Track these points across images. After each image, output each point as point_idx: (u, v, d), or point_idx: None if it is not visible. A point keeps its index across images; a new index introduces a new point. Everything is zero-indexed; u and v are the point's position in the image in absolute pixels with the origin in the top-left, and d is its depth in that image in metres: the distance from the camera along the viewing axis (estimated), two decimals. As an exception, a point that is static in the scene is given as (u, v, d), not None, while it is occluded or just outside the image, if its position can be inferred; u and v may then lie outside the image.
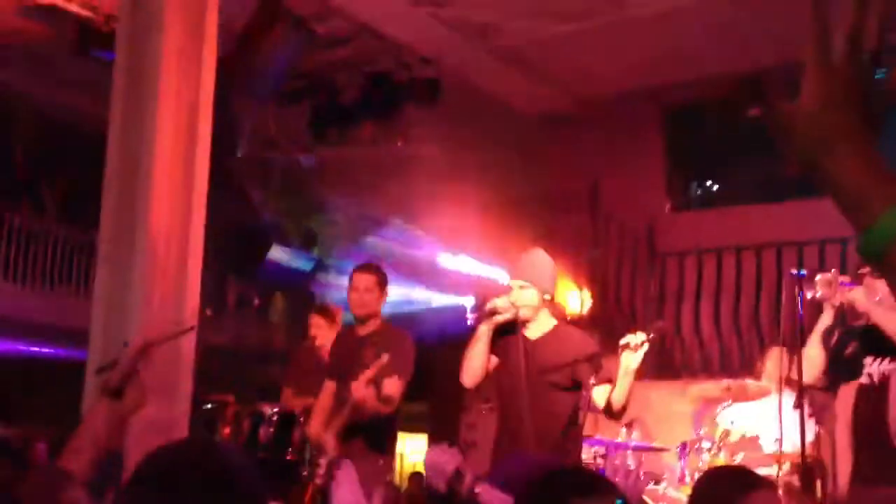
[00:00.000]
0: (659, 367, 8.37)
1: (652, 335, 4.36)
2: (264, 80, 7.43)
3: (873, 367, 4.09)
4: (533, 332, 4.37)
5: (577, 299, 9.03)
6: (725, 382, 6.03)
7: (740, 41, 8.27)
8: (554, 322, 4.46)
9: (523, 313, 4.32)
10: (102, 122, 5.21)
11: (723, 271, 8.32)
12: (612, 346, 8.63)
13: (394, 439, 5.40)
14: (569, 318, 5.15)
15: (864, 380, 4.12)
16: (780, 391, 5.49)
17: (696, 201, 10.02)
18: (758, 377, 6.14)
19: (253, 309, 7.86)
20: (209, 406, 6.33)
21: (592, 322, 8.69)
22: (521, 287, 4.33)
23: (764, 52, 8.45)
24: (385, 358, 4.63)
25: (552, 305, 4.51)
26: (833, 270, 4.14)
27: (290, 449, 6.05)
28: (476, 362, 4.27)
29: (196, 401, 5.75)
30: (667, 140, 9.65)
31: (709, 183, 10.11)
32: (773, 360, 6.14)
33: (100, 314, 5.03)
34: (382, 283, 5.22)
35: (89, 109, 7.00)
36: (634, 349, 4.17)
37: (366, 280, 5.17)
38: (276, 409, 6.06)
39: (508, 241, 9.06)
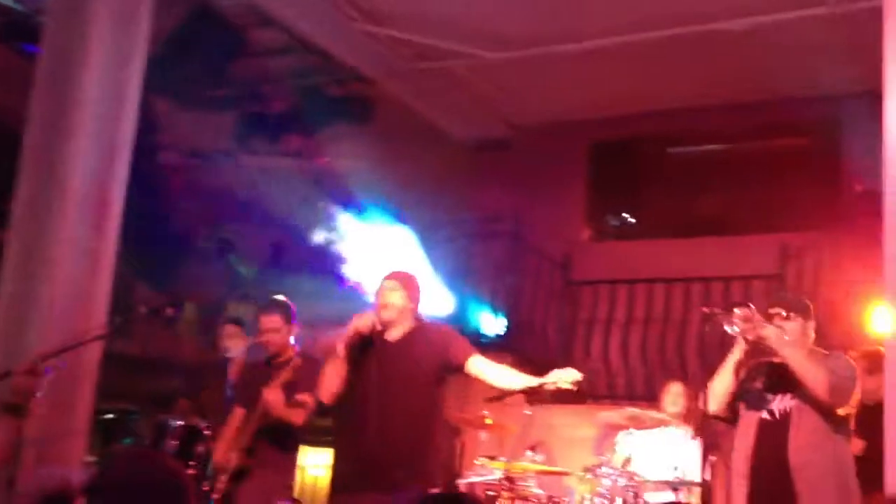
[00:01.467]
0: (566, 391, 8.51)
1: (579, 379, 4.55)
2: (192, 85, 7.38)
3: (775, 404, 4.22)
4: (394, 334, 4.47)
5: (492, 324, 9.14)
6: (629, 410, 6.18)
7: (668, 81, 8.52)
8: (413, 324, 4.55)
9: (388, 314, 4.42)
10: (17, 118, 5.12)
11: (634, 302, 8.51)
12: (522, 370, 8.77)
13: (295, 451, 5.43)
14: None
15: (765, 415, 4.24)
16: (680, 422, 5.68)
17: (614, 233, 10.24)
18: (658, 408, 6.32)
19: (163, 318, 7.73)
20: (111, 416, 6.22)
21: (506, 347, 8.80)
22: (393, 289, 4.45)
23: (689, 94, 8.74)
24: (298, 362, 4.82)
25: (414, 311, 4.60)
26: (751, 306, 4.26)
27: (193, 462, 5.99)
28: (333, 379, 4.36)
29: (97, 411, 5.65)
30: (590, 172, 9.86)
31: (627, 216, 10.35)
32: (671, 395, 6.34)
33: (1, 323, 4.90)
34: (288, 318, 5.37)
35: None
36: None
37: (269, 322, 5.35)
38: (179, 422, 5.99)
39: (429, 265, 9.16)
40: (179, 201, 9.04)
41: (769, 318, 4.26)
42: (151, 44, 5.68)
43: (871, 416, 4.72)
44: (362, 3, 7.57)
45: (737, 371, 4.33)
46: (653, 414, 6.23)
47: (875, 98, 4.45)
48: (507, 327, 9.08)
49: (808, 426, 4.12)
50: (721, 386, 4.33)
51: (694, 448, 5.75)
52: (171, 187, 8.67)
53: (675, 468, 5.66)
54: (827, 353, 4.31)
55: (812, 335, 4.33)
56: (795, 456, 4.09)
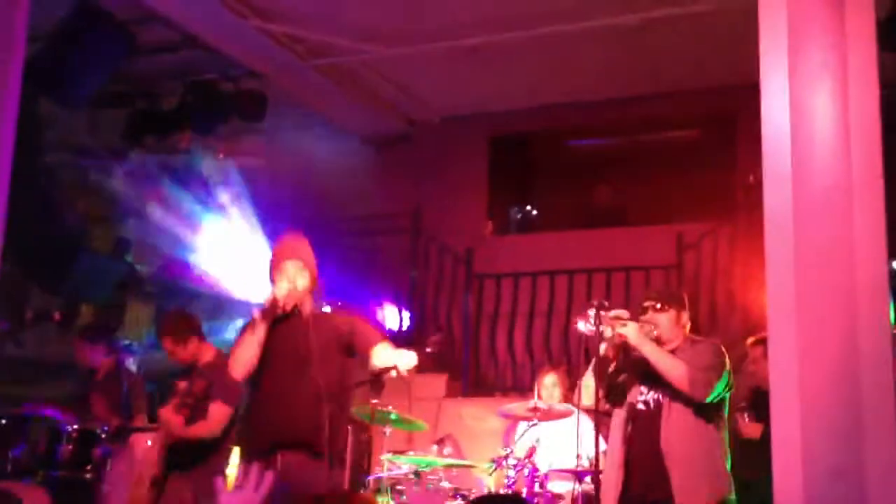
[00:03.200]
0: (473, 384, 8.55)
1: (429, 349, 4.58)
2: (78, 83, 7.12)
3: (648, 395, 4.45)
4: (300, 314, 4.46)
5: (396, 319, 9.10)
6: (532, 402, 6.22)
7: (563, 75, 8.60)
8: (314, 306, 4.56)
9: (295, 295, 4.40)
10: None
11: (537, 295, 8.58)
12: (427, 364, 8.78)
13: (219, 458, 5.35)
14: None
15: (639, 406, 4.47)
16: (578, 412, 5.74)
17: (516, 226, 10.31)
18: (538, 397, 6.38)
19: (54, 321, 7.50)
20: (2, 422, 6.05)
21: (410, 342, 8.78)
22: (301, 269, 4.42)
23: (584, 87, 8.85)
24: (183, 386, 4.87)
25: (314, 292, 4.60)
26: (605, 306, 4.41)
27: (90, 466, 5.87)
28: (249, 352, 4.29)
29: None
30: (491, 165, 9.90)
31: (528, 208, 10.43)
32: (546, 387, 6.42)
33: None
34: (177, 336, 5.43)
35: None
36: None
37: (167, 343, 5.49)
38: (75, 426, 5.86)
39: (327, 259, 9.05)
40: (71, 201, 8.74)
41: (644, 310, 4.50)
42: (33, 40, 5.47)
43: (768, 400, 4.88)
44: (253, 0, 7.46)
45: (600, 368, 4.49)
46: (557, 405, 6.29)
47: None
48: (412, 322, 9.06)
49: (677, 416, 4.34)
50: (588, 383, 4.51)
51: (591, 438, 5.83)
52: (61, 187, 8.38)
53: (580, 457, 5.72)
54: (696, 339, 4.53)
55: (687, 324, 4.55)
56: (666, 444, 4.31)
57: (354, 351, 4.46)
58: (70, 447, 5.81)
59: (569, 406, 6.24)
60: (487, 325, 8.75)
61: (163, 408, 5.31)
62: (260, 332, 4.30)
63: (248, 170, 8.66)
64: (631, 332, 4.39)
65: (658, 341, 4.45)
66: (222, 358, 5.26)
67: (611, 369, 4.55)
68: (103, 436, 5.80)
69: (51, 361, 8.09)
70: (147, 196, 8.96)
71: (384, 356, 4.37)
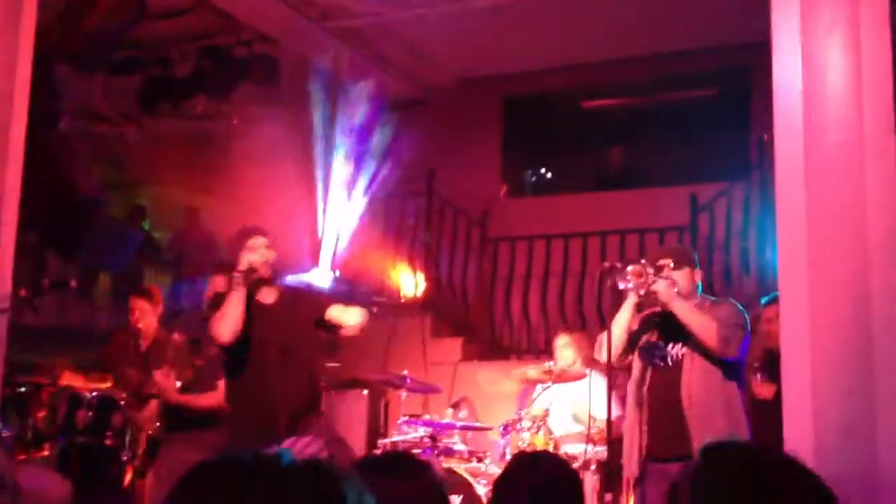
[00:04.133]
0: (488, 347, 8.58)
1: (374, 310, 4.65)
2: (92, 49, 7.12)
3: (668, 350, 4.41)
4: (267, 296, 4.59)
5: (411, 282, 9.13)
6: (547, 364, 6.24)
7: (577, 35, 8.53)
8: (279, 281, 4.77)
9: (266, 271, 4.54)
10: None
11: (551, 257, 8.57)
12: (442, 328, 8.81)
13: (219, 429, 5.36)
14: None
15: (658, 361, 4.43)
16: (590, 374, 5.75)
17: (530, 188, 10.29)
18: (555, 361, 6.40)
19: (72, 288, 7.55)
20: (22, 389, 6.10)
21: (425, 304, 8.82)
22: (267, 245, 4.54)
23: (599, 47, 8.77)
24: (178, 340, 4.91)
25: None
26: (643, 262, 4.39)
27: (110, 433, 5.91)
28: (236, 311, 4.37)
29: (8, 383, 5.53)
30: (504, 128, 9.85)
31: (543, 171, 10.40)
32: (559, 348, 6.43)
33: None
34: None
35: None
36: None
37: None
38: (94, 393, 5.90)
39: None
40: (87, 168, 8.77)
41: (659, 269, 4.42)
42: (45, 8, 5.47)
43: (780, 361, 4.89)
44: (265, -37, 7.43)
45: (628, 322, 4.46)
46: (571, 367, 6.31)
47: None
48: (426, 286, 9.08)
49: (699, 370, 4.31)
50: (613, 337, 4.46)
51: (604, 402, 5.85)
52: (77, 154, 8.41)
53: (594, 419, 5.74)
54: (715, 300, 4.51)
55: (699, 282, 4.52)
56: (687, 396, 4.29)
57: (322, 321, 4.57)
58: (90, 413, 5.85)
59: (584, 369, 6.26)
60: (502, 288, 8.75)
61: (157, 370, 5.32)
62: (242, 297, 4.37)
63: (261, 134, 8.65)
64: (662, 287, 4.32)
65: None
66: None
67: (635, 325, 4.51)
68: (122, 402, 5.84)
69: (69, 328, 8.17)
70: (163, 162, 8.99)
71: (335, 314, 4.53)
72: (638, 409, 4.43)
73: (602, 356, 4.52)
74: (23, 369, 6.30)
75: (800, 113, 3.54)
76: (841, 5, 3.47)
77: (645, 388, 4.42)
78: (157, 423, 5.71)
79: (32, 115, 5.16)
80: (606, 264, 4.52)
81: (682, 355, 4.36)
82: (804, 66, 3.57)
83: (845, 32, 3.48)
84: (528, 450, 5.62)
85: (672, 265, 4.44)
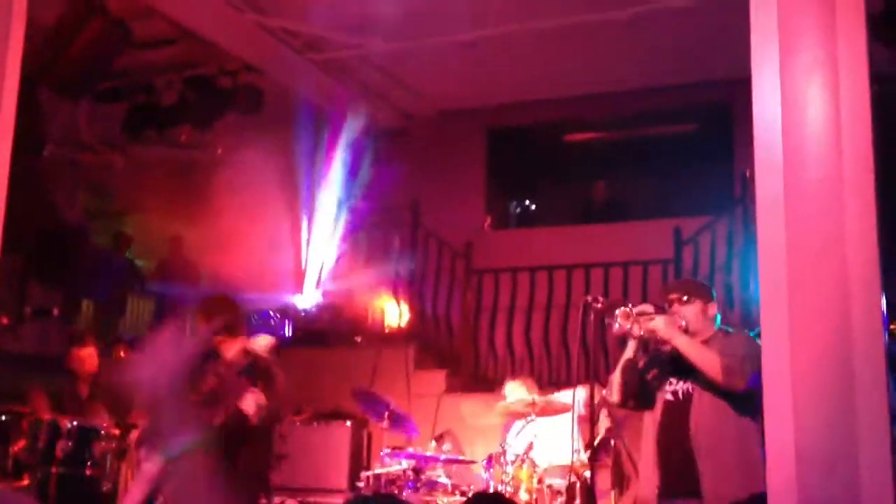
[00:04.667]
0: (472, 380, 8.56)
1: None
2: (77, 78, 7.13)
3: (678, 386, 4.31)
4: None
5: (395, 312, 9.12)
6: (531, 397, 6.23)
7: (560, 69, 8.61)
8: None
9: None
10: None
11: (535, 289, 8.59)
12: (426, 360, 8.78)
13: None
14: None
15: (669, 397, 4.34)
16: (576, 403, 5.75)
17: (514, 220, 10.33)
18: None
19: (54, 317, 7.51)
20: (2, 418, 6.05)
21: (409, 335, 8.80)
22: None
23: (582, 81, 8.85)
24: None
25: None
26: (629, 305, 4.36)
27: (90, 463, 5.87)
28: None
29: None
30: (489, 160, 9.90)
31: (527, 203, 10.44)
32: (506, 392, 6.47)
33: None
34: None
35: None
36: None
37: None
38: (74, 423, 5.85)
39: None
40: (71, 196, 8.77)
41: (669, 303, 4.37)
42: (34, 35, 5.48)
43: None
44: (249, -6, 7.49)
45: (629, 367, 4.41)
46: (557, 399, 6.30)
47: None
48: (410, 316, 9.07)
49: (707, 407, 4.22)
50: (615, 381, 4.43)
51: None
52: (61, 181, 8.41)
53: (575, 451, 5.73)
54: (729, 332, 4.42)
55: (714, 315, 4.41)
56: (696, 434, 4.20)
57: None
58: (69, 444, 5.80)
59: (566, 401, 6.25)
60: (487, 319, 8.75)
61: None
62: None
63: (245, 164, 8.67)
64: (660, 324, 4.26)
65: (686, 333, 4.30)
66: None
67: (640, 367, 4.43)
68: (102, 432, 5.79)
69: (50, 356, 8.11)
70: (147, 191, 8.99)
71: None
72: (651, 448, 4.36)
73: (612, 396, 4.49)
74: (2, 398, 6.26)
75: (780, 149, 3.57)
76: (820, 45, 3.52)
77: (656, 427, 4.35)
78: None
79: (17, 142, 5.15)
80: (589, 298, 4.49)
81: (691, 391, 4.28)
82: (784, 104, 3.60)
83: (825, 70, 3.52)
84: (486, 491, 5.62)
85: (684, 298, 4.35)
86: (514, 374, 6.92)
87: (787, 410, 3.38)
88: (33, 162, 6.71)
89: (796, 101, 3.55)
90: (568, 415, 6.10)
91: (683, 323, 4.32)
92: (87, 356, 6.41)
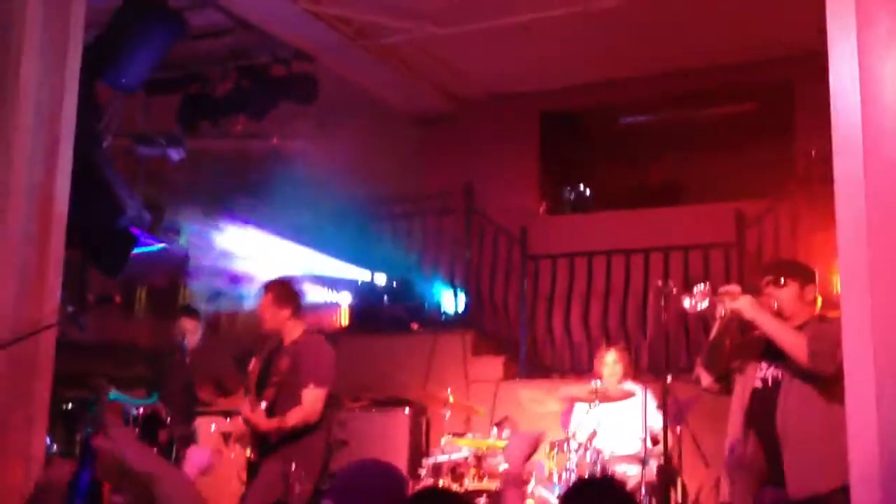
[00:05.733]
0: (530, 366, 8.51)
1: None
2: (133, 70, 7.17)
3: (767, 372, 4.19)
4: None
5: (452, 301, 9.09)
6: (593, 384, 6.18)
7: (615, 50, 8.49)
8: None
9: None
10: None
11: (593, 275, 8.50)
12: (484, 346, 8.75)
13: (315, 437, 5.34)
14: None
15: (757, 384, 4.21)
16: (644, 393, 5.68)
17: (570, 205, 10.23)
18: (597, 378, 6.33)
19: (115, 305, 7.63)
20: (69, 406, 6.15)
21: (467, 324, 8.77)
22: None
23: (638, 62, 8.72)
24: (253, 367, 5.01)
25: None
26: (706, 284, 4.26)
27: (156, 449, 5.94)
28: None
29: (56, 400, 5.57)
30: (543, 144, 9.81)
31: (582, 187, 10.34)
32: (607, 364, 6.38)
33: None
34: (279, 298, 5.36)
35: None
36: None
37: (267, 300, 5.46)
38: (140, 409, 5.94)
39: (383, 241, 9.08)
40: (131, 188, 8.84)
41: (765, 284, 4.22)
42: (89, 28, 5.52)
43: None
44: (300, -19, 7.48)
45: (717, 345, 4.30)
46: (617, 386, 6.25)
47: (826, 59, 4.45)
48: (467, 304, 9.04)
49: (795, 393, 4.08)
50: (707, 360, 4.33)
51: (659, 420, 5.76)
52: (120, 174, 8.47)
53: (640, 440, 5.66)
54: (825, 318, 4.18)
55: (813, 299, 4.23)
56: (782, 424, 4.07)
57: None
58: (136, 430, 5.88)
59: (631, 387, 6.19)
60: (544, 306, 8.69)
61: (241, 404, 5.32)
62: None
63: (299, 152, 8.69)
64: (745, 304, 4.10)
65: (780, 317, 4.15)
66: (311, 337, 5.31)
67: (731, 348, 4.33)
68: (168, 419, 5.86)
69: (111, 343, 8.22)
70: (202, 182, 9.04)
71: None
72: (738, 434, 4.23)
73: (702, 381, 4.40)
74: (69, 384, 6.35)
75: (858, 128, 3.47)
76: (899, 16, 3.40)
77: (743, 413, 4.22)
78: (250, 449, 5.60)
79: (78, 135, 5.20)
80: (660, 283, 4.42)
81: (780, 377, 4.14)
82: (861, 82, 3.51)
83: (905, 44, 3.41)
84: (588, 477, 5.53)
85: (780, 281, 4.19)
86: (608, 345, 6.81)
87: (870, 398, 3.31)
88: (93, 153, 6.77)
89: (875, 76, 3.46)
90: (630, 401, 6.05)
91: (775, 305, 4.17)
92: (194, 328, 6.59)
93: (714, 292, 4.20)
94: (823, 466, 3.96)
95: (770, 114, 9.03)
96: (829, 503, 3.92)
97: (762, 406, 4.16)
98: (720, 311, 4.18)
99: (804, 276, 4.27)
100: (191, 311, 6.59)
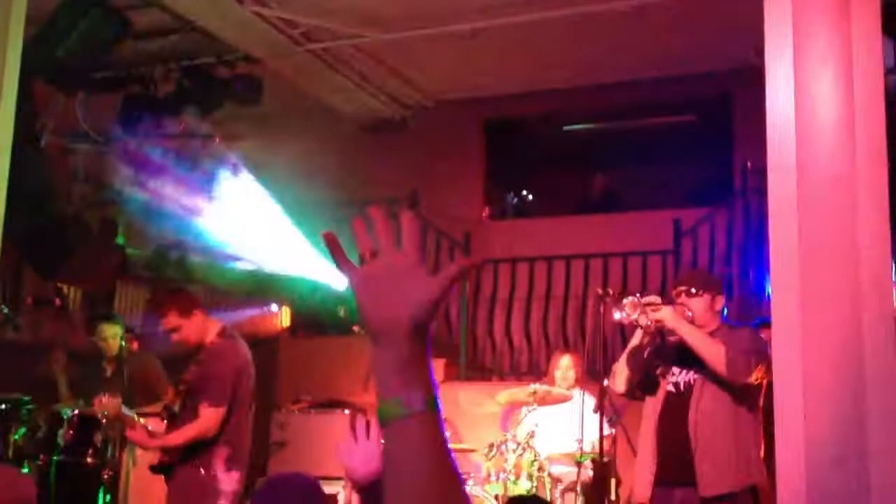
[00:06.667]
0: (470, 369, 8.57)
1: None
2: (73, 68, 7.08)
3: (680, 377, 4.39)
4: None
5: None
6: (532, 387, 6.26)
7: (557, 59, 8.58)
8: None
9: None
10: None
11: (534, 279, 8.59)
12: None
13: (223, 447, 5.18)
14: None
15: (670, 388, 4.42)
16: (583, 395, 5.78)
17: (513, 211, 10.31)
18: (550, 382, 6.45)
19: (54, 306, 7.52)
20: (3, 406, 6.06)
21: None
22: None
23: (580, 72, 8.83)
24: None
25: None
26: (637, 295, 4.42)
27: (91, 451, 5.88)
28: None
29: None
30: (487, 150, 9.88)
31: (525, 193, 10.43)
32: (561, 368, 6.49)
33: None
34: (183, 308, 5.14)
35: None
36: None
37: (172, 318, 5.18)
38: (76, 411, 5.87)
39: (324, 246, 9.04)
40: (67, 186, 8.71)
41: (677, 294, 4.45)
42: (29, 25, 5.44)
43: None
44: (247, -17, 7.43)
45: (635, 355, 4.48)
46: (556, 390, 6.33)
47: (764, 74, 4.58)
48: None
49: (708, 399, 4.29)
50: (619, 369, 4.51)
51: (595, 422, 5.87)
52: (57, 172, 8.35)
53: (577, 441, 5.75)
54: (733, 326, 4.50)
55: (721, 309, 4.48)
56: (693, 427, 4.27)
57: None
58: (71, 432, 5.81)
59: (569, 391, 6.28)
60: (485, 309, 8.76)
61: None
62: None
63: (243, 155, 8.63)
64: (667, 314, 4.33)
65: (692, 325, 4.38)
66: (222, 343, 5.14)
67: (647, 354, 4.50)
68: (104, 421, 5.78)
69: (48, 345, 8.09)
70: (141, 180, 8.92)
71: None
72: (650, 438, 4.43)
73: (617, 386, 4.54)
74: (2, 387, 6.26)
75: (792, 145, 3.57)
76: (834, 39, 3.52)
77: (657, 416, 4.41)
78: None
79: (15, 134, 5.12)
80: (599, 291, 4.56)
81: (693, 382, 4.35)
82: (797, 99, 3.61)
83: (838, 64, 3.53)
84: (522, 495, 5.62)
85: (692, 291, 4.41)
86: (563, 349, 6.96)
87: (798, 404, 3.41)
88: (30, 152, 6.66)
89: (810, 94, 3.56)
90: (568, 404, 6.15)
91: (689, 314, 4.38)
92: (115, 335, 6.51)
93: (642, 303, 4.36)
94: (734, 467, 4.22)
95: (709, 125, 9.22)
96: (737, 501, 4.17)
97: (675, 409, 4.38)
98: (643, 320, 4.35)
99: (714, 287, 4.54)
100: (111, 318, 6.61)
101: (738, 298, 7.55)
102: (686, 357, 4.35)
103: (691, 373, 4.35)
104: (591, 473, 5.87)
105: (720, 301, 4.48)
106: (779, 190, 3.51)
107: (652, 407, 4.47)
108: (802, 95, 3.51)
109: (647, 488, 4.39)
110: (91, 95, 8.42)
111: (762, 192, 3.94)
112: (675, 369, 4.42)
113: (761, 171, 3.88)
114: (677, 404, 4.36)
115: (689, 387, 4.36)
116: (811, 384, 3.35)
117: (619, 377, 4.51)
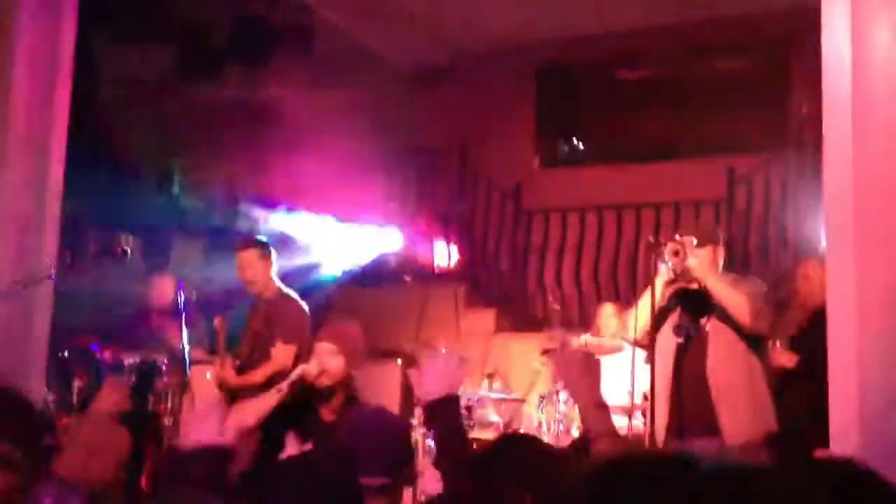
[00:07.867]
0: (521, 320, 8.60)
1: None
2: (129, 19, 7.17)
3: (695, 324, 4.43)
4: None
5: (444, 255, 9.15)
6: (584, 338, 6.28)
7: (613, 3, 8.44)
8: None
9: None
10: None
11: (585, 229, 8.56)
12: (476, 299, 8.82)
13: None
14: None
15: (686, 336, 4.45)
16: (633, 346, 5.78)
17: (564, 159, 10.23)
18: (596, 332, 6.45)
19: (116, 255, 7.68)
20: (65, 353, 6.20)
21: (459, 277, 8.84)
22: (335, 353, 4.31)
23: (633, 15, 8.67)
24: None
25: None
26: (681, 239, 4.45)
27: (151, 398, 6.01)
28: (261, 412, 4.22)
29: (53, 349, 5.63)
30: (538, 97, 9.79)
31: (576, 141, 10.34)
32: (603, 317, 6.49)
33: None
34: (263, 254, 5.44)
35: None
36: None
37: (242, 257, 5.48)
38: (136, 358, 5.98)
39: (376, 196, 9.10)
40: (126, 137, 8.84)
41: (700, 243, 4.51)
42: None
43: (807, 331, 4.97)
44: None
45: (658, 299, 4.52)
46: (607, 341, 6.34)
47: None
48: (460, 258, 9.10)
49: (723, 344, 4.37)
50: (643, 314, 4.54)
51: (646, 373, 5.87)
52: (115, 122, 8.47)
53: (628, 393, 5.76)
54: (738, 277, 4.57)
55: (721, 261, 4.59)
56: (713, 373, 4.34)
57: None
58: (132, 378, 5.94)
59: (620, 342, 6.29)
60: (536, 259, 8.76)
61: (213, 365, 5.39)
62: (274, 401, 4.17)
63: (296, 103, 8.67)
64: (696, 263, 4.40)
65: None
66: (283, 297, 5.39)
67: (662, 301, 4.56)
68: (164, 368, 5.93)
69: (106, 295, 8.26)
70: (198, 131, 9.02)
71: None
72: (665, 383, 4.46)
73: (630, 333, 4.59)
74: (65, 334, 6.39)
75: (848, 91, 3.52)
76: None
77: (672, 363, 4.44)
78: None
79: (74, 87, 5.21)
80: (651, 239, 4.60)
81: (707, 329, 4.42)
82: (853, 41, 3.54)
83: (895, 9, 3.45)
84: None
85: (695, 242, 4.50)
86: (604, 300, 6.99)
87: (851, 347, 3.39)
88: (89, 105, 6.77)
89: (867, 39, 3.49)
90: (621, 355, 6.16)
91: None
92: (168, 286, 6.60)
93: (678, 251, 4.42)
94: (753, 413, 4.31)
95: (765, 70, 9.02)
96: (762, 448, 4.21)
97: (690, 356, 4.42)
98: (670, 269, 4.39)
99: (715, 239, 4.67)
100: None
101: (793, 248, 7.44)
102: (701, 305, 4.42)
103: (706, 321, 4.42)
104: (641, 425, 5.89)
105: (721, 253, 4.61)
106: (834, 136, 3.46)
107: (665, 355, 4.48)
108: (859, 37, 3.44)
109: (662, 436, 4.42)
110: (147, 46, 8.51)
111: (818, 140, 3.88)
112: (689, 317, 4.46)
113: (817, 119, 3.83)
114: (692, 352, 4.41)
115: (704, 333, 4.42)
116: (865, 327, 3.34)
117: (636, 326, 4.55)
